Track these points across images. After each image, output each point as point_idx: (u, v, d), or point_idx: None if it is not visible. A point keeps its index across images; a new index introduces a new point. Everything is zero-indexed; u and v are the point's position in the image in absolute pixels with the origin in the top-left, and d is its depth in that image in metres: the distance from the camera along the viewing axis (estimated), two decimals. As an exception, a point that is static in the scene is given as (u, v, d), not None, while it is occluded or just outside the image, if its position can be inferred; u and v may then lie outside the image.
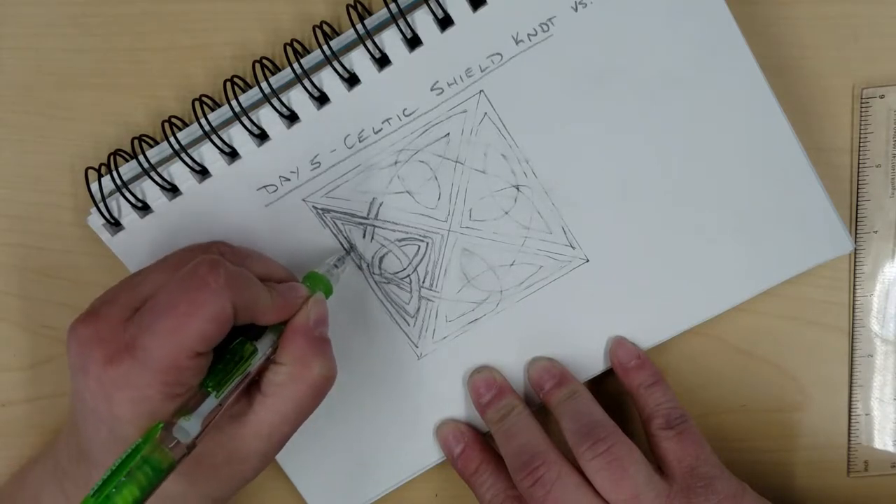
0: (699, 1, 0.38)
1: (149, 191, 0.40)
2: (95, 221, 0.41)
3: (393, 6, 0.38)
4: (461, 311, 0.42)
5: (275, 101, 0.39)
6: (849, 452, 0.44)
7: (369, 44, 0.38)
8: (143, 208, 0.40)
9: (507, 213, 0.41)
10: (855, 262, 0.43)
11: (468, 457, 0.42)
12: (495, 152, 0.40)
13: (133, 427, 0.32)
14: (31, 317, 0.44)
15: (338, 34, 0.40)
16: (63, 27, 0.42)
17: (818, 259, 0.41)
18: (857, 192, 0.42)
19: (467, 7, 0.38)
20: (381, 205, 0.41)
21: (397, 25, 0.38)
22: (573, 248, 0.41)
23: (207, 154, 0.40)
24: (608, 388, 0.43)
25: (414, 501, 0.45)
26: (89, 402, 0.33)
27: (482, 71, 0.39)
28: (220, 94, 0.41)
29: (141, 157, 0.40)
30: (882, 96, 0.41)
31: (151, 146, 0.41)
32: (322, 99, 0.39)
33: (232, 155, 0.40)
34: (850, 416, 0.44)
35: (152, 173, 0.39)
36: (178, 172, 0.40)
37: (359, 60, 0.39)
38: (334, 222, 0.41)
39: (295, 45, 0.40)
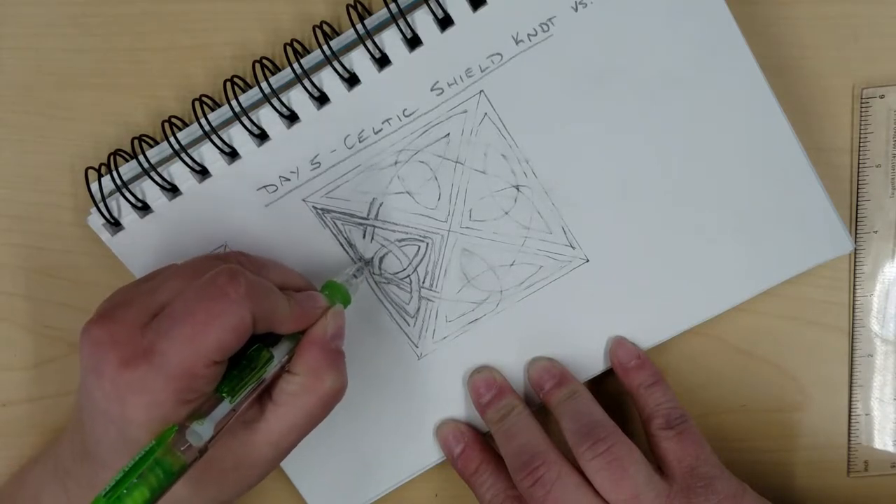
0: (699, 1, 0.38)
1: (149, 191, 0.40)
2: (95, 221, 0.41)
3: (393, 6, 0.38)
4: (461, 311, 0.42)
5: (275, 101, 0.39)
6: (849, 452, 0.44)
7: (369, 44, 0.38)
8: (143, 208, 0.40)
9: (507, 213, 0.41)
10: (855, 262, 0.43)
11: (468, 457, 0.42)
12: (495, 152, 0.40)
13: (145, 430, 0.32)
14: (32, 317, 0.44)
15: (338, 34, 0.40)
16: (63, 27, 0.42)
17: (818, 259, 0.41)
18: (857, 192, 0.42)
19: (467, 7, 0.38)
20: (381, 205, 0.41)
21: (397, 25, 0.38)
22: (573, 248, 0.41)
23: (207, 154, 0.40)
24: (608, 388, 0.43)
25: (414, 501, 0.45)
26: (101, 403, 0.33)
27: (482, 71, 0.39)
28: (220, 94, 0.41)
29: (141, 157, 0.40)
30: (882, 96, 0.41)
31: (151, 146, 0.41)
32: (322, 99, 0.39)
33: (232, 155, 0.40)
34: (850, 416, 0.44)
35: (152, 173, 0.39)
36: (178, 172, 0.40)
37: (359, 60, 0.39)
38: (334, 222, 0.41)
39: (295, 45, 0.40)
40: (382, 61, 0.39)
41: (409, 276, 0.42)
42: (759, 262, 0.41)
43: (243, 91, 0.40)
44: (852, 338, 0.43)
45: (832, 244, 0.41)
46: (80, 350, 0.34)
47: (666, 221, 0.41)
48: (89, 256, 0.43)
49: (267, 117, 0.39)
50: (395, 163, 0.40)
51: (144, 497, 0.29)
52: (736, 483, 0.39)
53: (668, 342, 0.42)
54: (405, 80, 0.39)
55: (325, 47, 0.38)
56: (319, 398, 0.36)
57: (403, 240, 0.41)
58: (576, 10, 0.38)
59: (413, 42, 0.39)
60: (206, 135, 0.39)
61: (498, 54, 0.39)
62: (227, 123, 0.40)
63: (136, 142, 0.41)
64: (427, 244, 0.41)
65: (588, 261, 0.41)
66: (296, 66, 0.39)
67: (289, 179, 0.40)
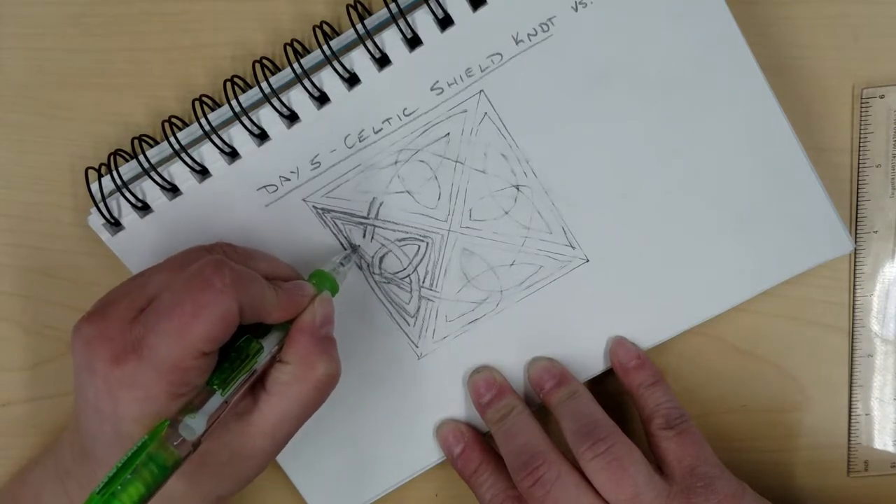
0: (699, 1, 0.38)
1: (149, 191, 0.40)
2: (95, 221, 0.41)
3: (393, 6, 0.38)
4: (461, 311, 0.42)
5: (275, 101, 0.39)
6: (849, 452, 0.44)
7: (369, 44, 0.38)
8: (144, 208, 0.40)
9: (507, 213, 0.41)
10: (855, 262, 0.43)
11: (468, 457, 0.42)
12: (495, 152, 0.40)
13: (138, 426, 0.32)
14: (32, 317, 0.44)
15: (338, 34, 0.40)
16: (63, 27, 0.42)
17: (818, 259, 0.41)
18: (857, 192, 0.42)
19: (467, 7, 0.38)
20: (381, 205, 0.41)
21: (397, 25, 0.38)
22: (573, 248, 0.41)
23: (207, 154, 0.40)
24: (608, 388, 0.43)
25: (414, 501, 0.45)
26: (94, 400, 0.33)
27: (482, 71, 0.39)
28: (220, 94, 0.41)
29: (141, 157, 0.40)
30: (882, 96, 0.41)
31: (151, 146, 0.41)
32: (322, 99, 0.39)
33: (232, 155, 0.40)
34: (850, 416, 0.44)
35: (152, 173, 0.39)
36: (178, 172, 0.40)
37: (359, 60, 0.39)
38: (334, 222, 0.41)
39: (295, 45, 0.40)
40: (382, 61, 0.39)
41: (409, 275, 0.42)
42: (759, 262, 0.41)
43: (243, 91, 0.40)
44: (852, 338, 0.43)
45: (832, 244, 0.41)
46: (72, 349, 0.34)
47: (666, 221, 0.41)
48: (89, 256, 0.43)
49: (267, 117, 0.39)
50: (395, 162, 0.40)
51: (140, 493, 0.29)
52: (736, 483, 0.39)
53: (668, 342, 0.42)
54: (405, 80, 0.39)
55: (325, 47, 0.38)
56: (312, 386, 0.35)
57: (403, 239, 0.41)
58: (576, 10, 0.38)
59: (413, 42, 0.39)
60: (206, 135, 0.39)
61: (498, 54, 0.39)
62: (227, 123, 0.40)
63: (136, 142, 0.41)
64: (427, 244, 0.41)
65: (588, 261, 0.41)
66: (296, 66, 0.39)
67: (289, 179, 0.40)
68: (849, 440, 0.44)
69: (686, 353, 0.44)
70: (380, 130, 0.40)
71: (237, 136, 0.39)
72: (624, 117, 0.40)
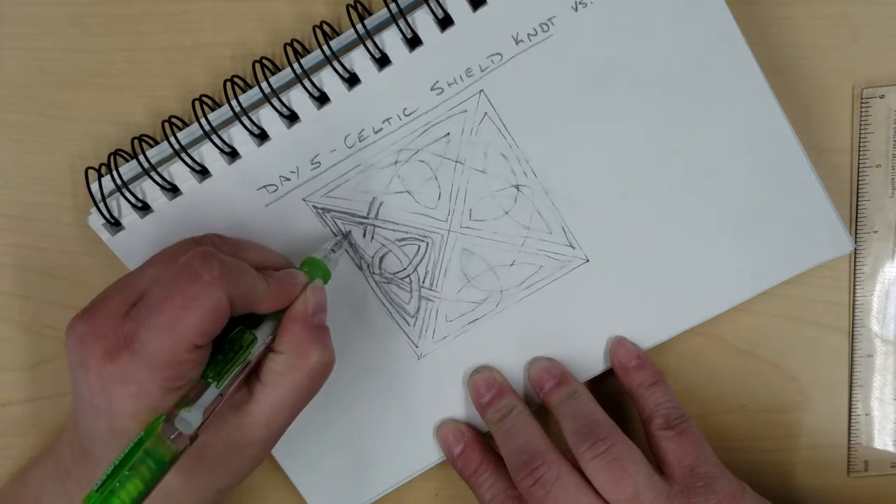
0: (699, 1, 0.38)
1: (149, 191, 0.40)
2: (95, 221, 0.41)
3: (393, 6, 0.38)
4: (461, 311, 0.42)
5: (275, 101, 0.39)
6: (849, 452, 0.44)
7: (369, 44, 0.38)
8: (144, 208, 0.40)
9: (507, 213, 0.41)
10: (855, 262, 0.43)
11: (468, 457, 0.42)
12: (495, 152, 0.40)
13: (133, 421, 0.32)
14: (32, 317, 0.44)
15: (338, 34, 0.40)
16: (63, 27, 0.42)
17: (818, 259, 0.41)
18: (857, 192, 0.42)
19: (467, 7, 0.38)
20: (381, 204, 0.41)
21: (397, 25, 0.38)
22: (573, 248, 0.41)
23: (207, 154, 0.40)
24: (608, 388, 0.43)
25: (414, 501, 0.45)
26: (88, 397, 0.33)
27: (482, 71, 0.39)
28: (220, 94, 0.41)
29: (141, 157, 0.40)
30: (882, 96, 0.41)
31: (151, 146, 0.41)
32: (322, 99, 0.39)
33: (232, 155, 0.40)
34: (850, 416, 0.44)
35: (152, 173, 0.39)
36: (178, 172, 0.40)
37: (359, 60, 0.39)
38: (334, 222, 0.41)
39: (295, 45, 0.40)
40: (382, 61, 0.39)
41: (409, 275, 0.42)
42: (759, 262, 0.41)
43: (243, 91, 0.40)
44: (852, 338, 0.43)
45: (832, 244, 0.41)
46: (66, 346, 0.34)
47: (666, 221, 0.41)
48: (89, 256, 0.43)
49: (267, 117, 0.39)
50: (395, 162, 0.40)
51: (138, 489, 0.29)
52: (736, 483, 0.39)
53: (668, 342, 0.42)
54: (405, 80, 0.39)
55: (325, 47, 0.38)
56: (306, 374, 0.35)
57: (403, 239, 0.41)
58: (576, 9, 0.38)
59: (413, 42, 0.39)
60: (206, 135, 0.39)
61: (498, 54, 0.39)
62: (227, 123, 0.40)
63: (136, 142, 0.41)
64: (427, 244, 0.41)
65: (588, 261, 0.41)
66: (296, 66, 0.39)
67: (289, 179, 0.40)
68: (849, 440, 0.44)
69: (686, 353, 0.44)
70: (380, 130, 0.40)
71: (237, 136, 0.39)
72: (624, 117, 0.40)
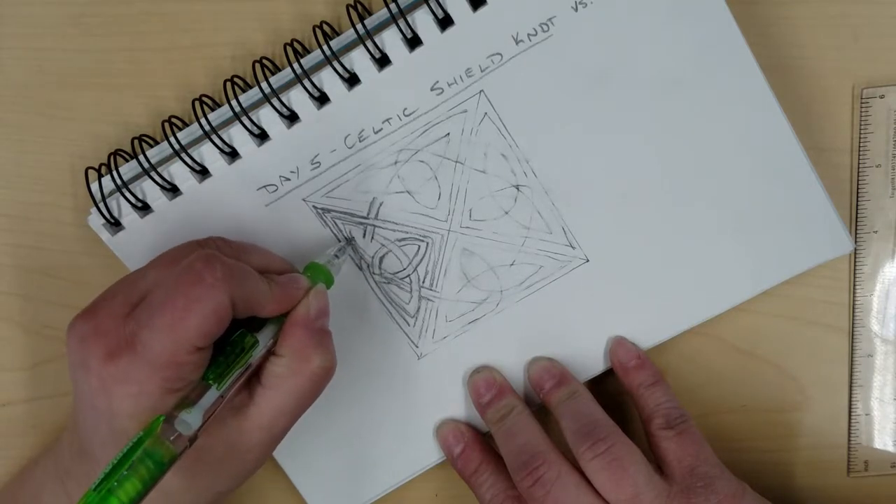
0: (699, 1, 0.38)
1: (149, 191, 0.40)
2: (95, 221, 0.41)
3: (393, 6, 0.38)
4: (461, 311, 0.42)
5: (275, 101, 0.39)
6: (849, 452, 0.44)
7: (369, 44, 0.38)
8: (143, 208, 0.40)
9: (507, 213, 0.41)
10: (855, 262, 0.43)
11: (468, 457, 0.42)
12: (495, 152, 0.40)
13: (133, 421, 0.32)
14: (32, 317, 0.44)
15: (338, 34, 0.40)
16: (63, 27, 0.42)
17: (818, 259, 0.41)
18: (857, 192, 0.42)
19: (467, 7, 0.38)
20: (381, 205, 0.41)
21: (397, 25, 0.38)
22: (573, 248, 0.41)
23: (207, 154, 0.40)
24: (608, 388, 0.43)
25: (414, 501, 0.45)
26: (89, 397, 0.33)
27: (482, 71, 0.39)
28: (220, 94, 0.41)
29: (141, 157, 0.40)
30: (882, 96, 0.41)
31: (151, 146, 0.41)
32: (322, 99, 0.39)
33: (232, 155, 0.40)
34: (850, 416, 0.44)
35: (152, 173, 0.39)
36: (178, 172, 0.40)
37: (359, 60, 0.39)
38: (334, 222, 0.41)
39: (295, 45, 0.40)
40: (382, 61, 0.39)
41: (409, 275, 0.42)
42: (759, 262, 0.41)
43: (243, 91, 0.40)
44: (852, 338, 0.43)
45: (832, 244, 0.41)
46: (67, 346, 0.34)
47: (666, 221, 0.41)
48: (89, 256, 0.43)
49: (267, 117, 0.39)
50: (395, 162, 0.40)
51: (136, 489, 0.29)
52: (736, 483, 0.39)
53: (668, 342, 0.42)
54: (405, 80, 0.39)
55: (325, 47, 0.38)
56: (308, 378, 0.35)
57: (403, 239, 0.41)
58: (576, 10, 0.38)
59: (413, 42, 0.39)
60: (206, 135, 0.39)
61: (498, 54, 0.39)
62: (227, 123, 0.40)
63: (136, 142, 0.41)
64: (427, 244, 0.41)
65: (588, 261, 0.41)
66: (296, 66, 0.39)
67: (289, 179, 0.40)
68: (849, 440, 0.44)
69: (686, 353, 0.44)
70: (380, 130, 0.40)
71: (237, 136, 0.39)
72: (624, 117, 0.40)
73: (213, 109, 0.41)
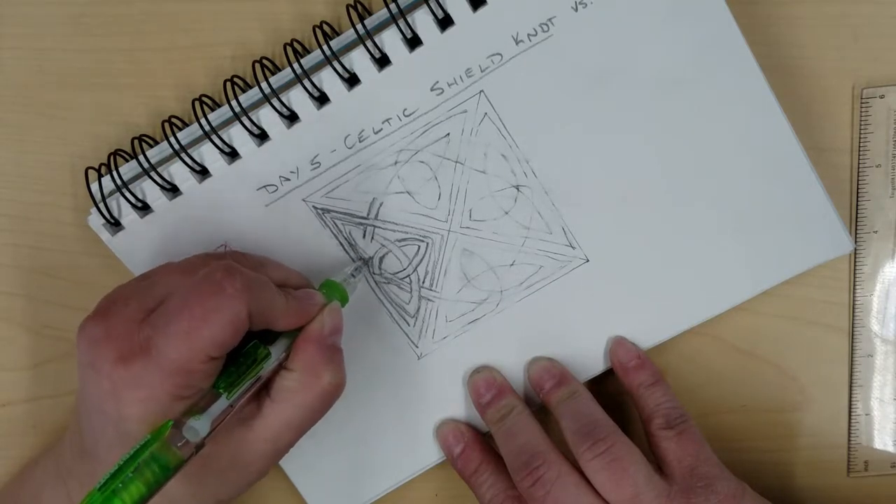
0: (699, 1, 0.38)
1: (149, 191, 0.40)
2: (95, 221, 0.41)
3: (393, 6, 0.38)
4: (461, 311, 0.42)
5: (275, 101, 0.39)
6: (849, 452, 0.44)
7: (369, 44, 0.38)
8: (144, 208, 0.40)
9: (507, 213, 0.41)
10: (855, 262, 0.43)
11: (468, 457, 0.42)
12: (495, 152, 0.40)
13: (141, 426, 0.32)
14: (32, 317, 0.44)
15: (338, 34, 0.40)
16: (63, 27, 0.42)
17: (818, 259, 0.41)
18: (857, 192, 0.42)
19: (467, 7, 0.38)
20: (381, 205, 0.41)
21: (397, 25, 0.38)
22: (573, 248, 0.41)
23: (207, 154, 0.40)
24: (608, 388, 0.43)
25: (414, 501, 0.45)
26: (97, 399, 0.33)
27: (482, 71, 0.39)
28: (220, 94, 0.41)
29: (141, 157, 0.40)
30: (882, 96, 0.41)
31: (151, 146, 0.41)
32: (322, 99, 0.39)
33: (232, 155, 0.40)
34: (850, 416, 0.44)
35: (152, 173, 0.39)
36: (178, 172, 0.40)
37: (359, 60, 0.39)
38: (334, 222, 0.41)
39: (295, 45, 0.40)
40: (382, 61, 0.39)
41: (409, 276, 0.42)
42: (759, 262, 0.41)
43: (243, 91, 0.40)
44: (852, 338, 0.43)
45: (832, 244, 0.41)
46: (77, 347, 0.34)
47: (666, 221, 0.41)
48: (89, 256, 0.43)
49: (267, 117, 0.39)
50: (395, 163, 0.40)
51: (140, 492, 0.29)
52: (736, 483, 0.39)
53: (668, 342, 0.42)
54: (405, 80, 0.39)
55: (325, 47, 0.38)
56: (317, 395, 0.36)
57: (403, 240, 0.41)
58: (576, 10, 0.38)
59: (413, 42, 0.39)
60: (206, 135, 0.39)
61: (498, 54, 0.39)
62: (227, 123, 0.40)
63: (136, 142, 0.41)
64: (427, 244, 0.41)
65: (588, 261, 0.41)
66: (296, 66, 0.39)
67: (289, 179, 0.40)
68: (849, 440, 0.44)
69: (686, 353, 0.44)
70: (380, 131, 0.40)
71: (237, 136, 0.39)
72: (624, 117, 0.40)
73: (213, 109, 0.41)
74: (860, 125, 0.42)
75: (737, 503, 0.38)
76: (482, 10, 0.38)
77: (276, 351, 0.35)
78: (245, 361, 0.34)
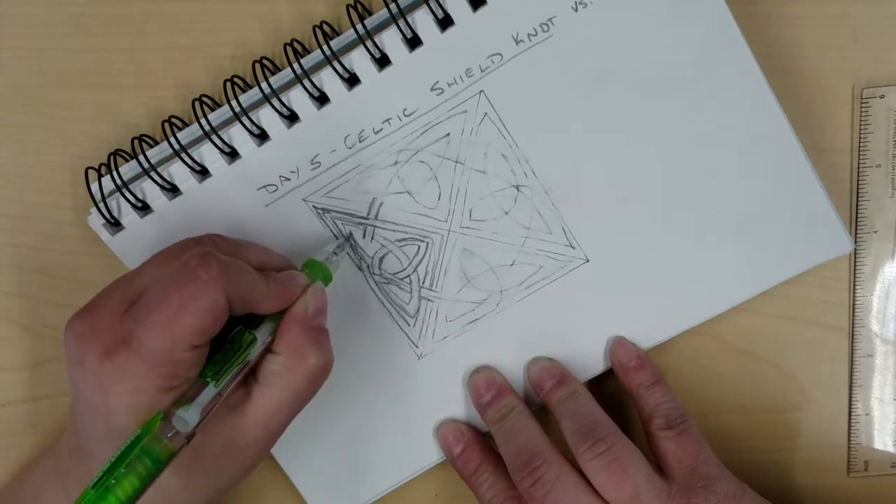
0: (699, 1, 0.38)
1: (149, 191, 0.40)
2: (95, 221, 0.41)
3: (393, 6, 0.38)
4: (461, 311, 0.42)
5: (275, 101, 0.39)
6: (849, 452, 0.44)
7: (369, 44, 0.38)
8: (144, 208, 0.40)
9: (507, 213, 0.41)
10: (855, 262, 0.43)
11: (468, 457, 0.42)
12: (495, 152, 0.40)
13: (129, 419, 0.32)
14: (31, 317, 0.44)
15: (338, 34, 0.40)
16: (63, 27, 0.42)
17: (818, 259, 0.41)
18: (857, 192, 0.42)
19: (467, 7, 0.38)
20: (381, 205, 0.41)
21: (397, 25, 0.38)
22: (573, 248, 0.41)
23: (207, 154, 0.40)
24: (608, 388, 0.43)
25: (414, 501, 0.45)
26: (86, 395, 0.33)
27: (482, 71, 0.39)
28: (220, 94, 0.41)
29: (141, 157, 0.40)
30: (882, 96, 0.41)
31: (151, 146, 0.41)
32: (322, 99, 0.39)
33: (232, 155, 0.40)
34: (850, 416, 0.44)
35: (152, 173, 0.39)
36: (178, 172, 0.40)
37: (359, 60, 0.39)
38: (334, 222, 0.41)
39: (295, 45, 0.40)
40: (382, 61, 0.39)
41: (409, 276, 0.42)
42: (759, 262, 0.41)
43: (243, 91, 0.40)
44: (852, 338, 0.43)
45: (832, 244, 0.41)
46: (65, 345, 0.34)
47: (666, 221, 0.41)
48: (89, 256, 0.43)
49: (267, 117, 0.39)
50: (395, 163, 0.40)
51: (133, 486, 0.29)
52: (736, 483, 0.39)
53: (668, 342, 0.42)
54: (405, 80, 0.39)
55: (325, 47, 0.38)
56: (304, 376, 0.35)
57: (403, 240, 0.41)
58: (576, 10, 0.38)
59: (413, 42, 0.39)
60: (206, 135, 0.39)
61: (498, 54, 0.39)
62: (227, 123, 0.40)
63: (136, 142, 0.41)
64: (427, 244, 0.41)
65: (588, 261, 0.41)
66: (296, 66, 0.39)
67: (289, 179, 0.40)
68: (849, 440, 0.44)
69: (686, 353, 0.44)
70: (380, 131, 0.40)
71: (237, 136, 0.39)
72: (624, 117, 0.40)
73: (213, 109, 0.41)
74: (860, 125, 0.42)
75: (737, 503, 0.38)
76: (482, 10, 0.38)
77: (262, 335, 0.35)
78: (231, 348, 0.34)
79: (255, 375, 0.36)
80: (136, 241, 0.41)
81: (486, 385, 0.42)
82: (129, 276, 0.35)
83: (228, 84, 0.40)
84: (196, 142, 0.40)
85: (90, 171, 0.41)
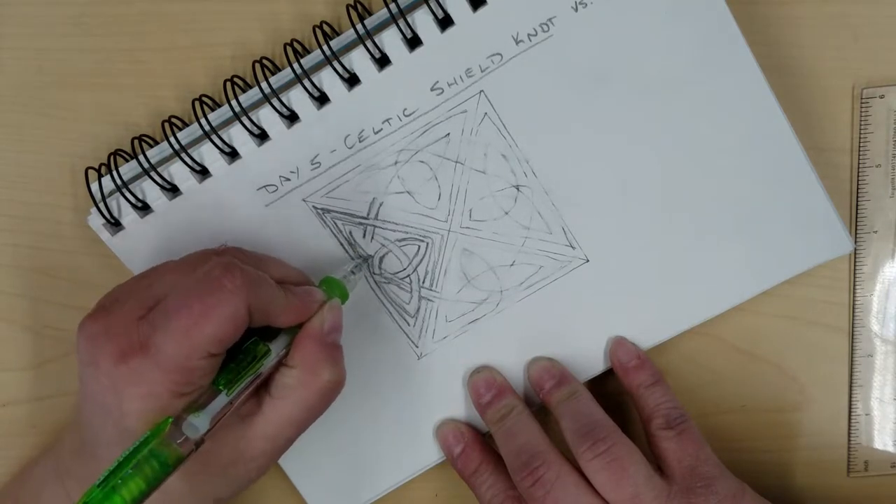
0: (699, 1, 0.38)
1: (149, 191, 0.40)
2: (95, 221, 0.41)
3: (393, 6, 0.38)
4: (461, 311, 0.42)
5: (275, 101, 0.39)
6: (849, 452, 0.44)
7: (369, 44, 0.38)
8: (144, 208, 0.40)
9: (507, 213, 0.41)
10: (855, 262, 0.43)
11: (468, 457, 0.42)
12: (495, 152, 0.40)
13: (141, 422, 0.32)
14: (31, 317, 0.44)
15: (338, 34, 0.40)
16: (63, 27, 0.42)
17: (818, 259, 0.41)
18: (857, 192, 0.42)
19: (467, 7, 0.38)
20: (381, 205, 0.41)
21: (397, 25, 0.38)
22: (573, 248, 0.41)
23: (207, 154, 0.40)
24: (608, 388, 0.43)
25: (414, 501, 0.45)
26: (97, 396, 0.33)
27: (482, 71, 0.39)
28: (220, 94, 0.41)
29: (141, 157, 0.40)
30: (882, 96, 0.41)
31: (151, 146, 0.41)
32: (322, 99, 0.39)
33: (232, 155, 0.40)
34: (850, 416, 0.44)
35: (152, 173, 0.39)
36: (178, 172, 0.40)
37: (359, 60, 0.39)
38: (334, 222, 0.41)
39: (295, 45, 0.40)
40: (382, 61, 0.39)
41: (409, 275, 0.42)
42: (759, 262, 0.41)
43: (243, 91, 0.40)
44: (852, 338, 0.43)
45: (832, 244, 0.41)
46: (76, 345, 0.34)
47: (666, 221, 0.41)
48: (89, 256, 0.43)
49: (267, 117, 0.39)
50: (395, 163, 0.40)
51: (140, 488, 0.29)
52: (736, 483, 0.39)
53: (668, 342, 0.42)
54: (405, 80, 0.39)
55: (325, 47, 0.38)
56: (316, 392, 0.36)
57: (403, 239, 0.41)
58: (576, 10, 0.38)
59: (413, 42, 0.39)
60: (206, 135, 0.39)
61: (498, 54, 0.39)
62: (227, 123, 0.40)
63: (136, 142, 0.41)
64: (427, 244, 0.41)
65: (588, 261, 0.41)
66: (296, 66, 0.39)
67: (289, 179, 0.40)
68: (849, 440, 0.44)
69: (686, 353, 0.44)
70: (380, 131, 0.40)
71: (237, 136, 0.39)
72: (624, 117, 0.40)
73: (213, 109, 0.41)
74: (860, 125, 0.42)
75: (737, 503, 0.38)
76: (482, 10, 0.38)
77: (276, 347, 0.35)
78: (245, 358, 0.34)
79: (267, 388, 0.36)
80: (136, 241, 0.41)
81: (486, 385, 0.42)
82: (143, 281, 0.35)
83: (228, 84, 0.40)
84: (196, 142, 0.40)
85: (90, 171, 0.41)
